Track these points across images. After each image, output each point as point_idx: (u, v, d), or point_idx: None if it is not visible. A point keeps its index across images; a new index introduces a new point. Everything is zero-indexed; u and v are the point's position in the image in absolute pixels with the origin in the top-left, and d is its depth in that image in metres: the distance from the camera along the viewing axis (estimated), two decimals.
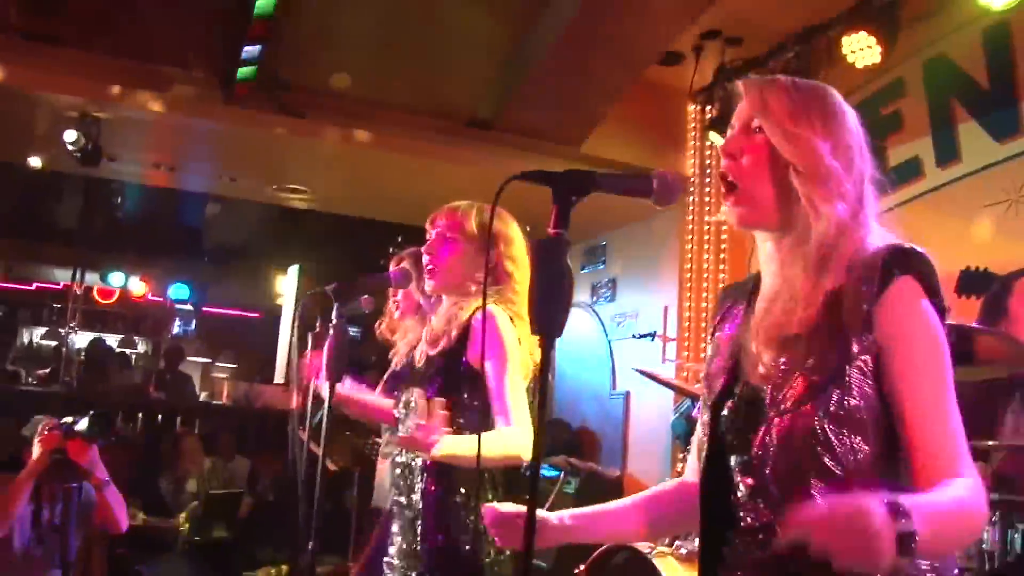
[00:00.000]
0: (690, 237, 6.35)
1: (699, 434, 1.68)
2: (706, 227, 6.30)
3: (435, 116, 5.77)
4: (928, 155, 4.92)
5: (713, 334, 1.77)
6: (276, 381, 6.78)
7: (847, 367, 1.43)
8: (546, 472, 5.47)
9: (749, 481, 1.52)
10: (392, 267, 3.45)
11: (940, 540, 1.28)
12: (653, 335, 6.36)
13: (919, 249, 1.47)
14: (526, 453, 2.28)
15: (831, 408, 1.43)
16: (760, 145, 1.55)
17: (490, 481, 2.50)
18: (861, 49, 4.67)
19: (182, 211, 10.21)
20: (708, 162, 6.25)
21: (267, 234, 8.99)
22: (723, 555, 1.59)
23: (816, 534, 1.18)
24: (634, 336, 6.57)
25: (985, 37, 4.66)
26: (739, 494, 1.55)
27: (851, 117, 1.59)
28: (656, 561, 3.26)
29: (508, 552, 2.41)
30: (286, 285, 6.66)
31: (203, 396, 11.00)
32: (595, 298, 7.53)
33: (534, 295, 1.48)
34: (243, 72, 4.85)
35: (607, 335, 7.22)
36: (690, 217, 6.35)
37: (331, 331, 2.62)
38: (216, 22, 5.06)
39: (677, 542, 3.37)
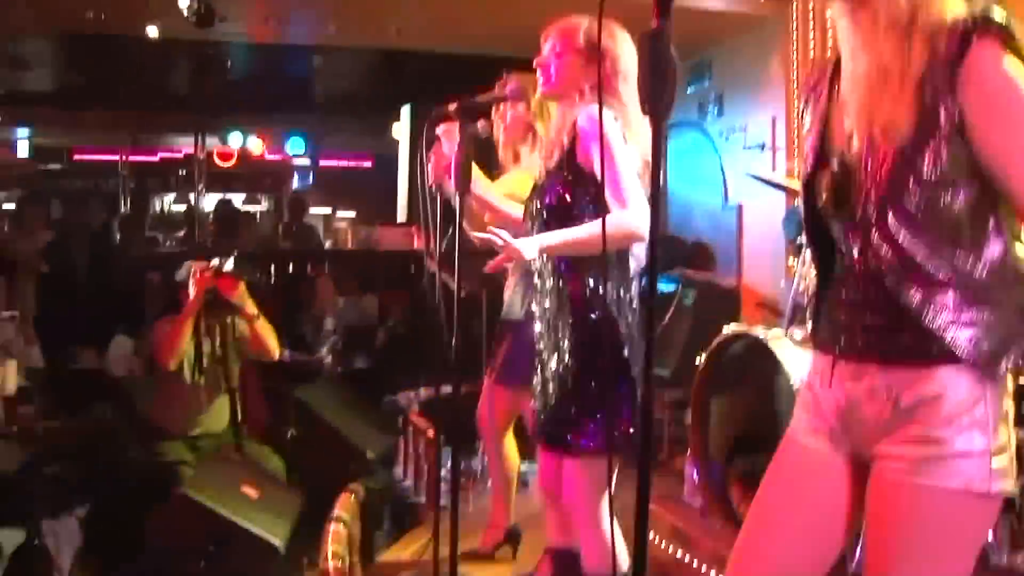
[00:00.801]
0: (795, 47, 6.23)
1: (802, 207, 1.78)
2: (811, 35, 6.18)
3: None
4: None
5: (802, 115, 1.86)
6: (398, 221, 7.02)
7: (936, 134, 1.52)
8: (664, 286, 5.63)
9: (856, 243, 1.66)
10: (499, 87, 3.57)
11: None
12: (763, 146, 6.37)
13: (996, 13, 1.50)
14: (642, 230, 2.44)
15: (923, 176, 1.54)
16: None
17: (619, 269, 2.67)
18: None
19: (290, 65, 10.38)
20: None
21: (375, 79, 9.12)
22: (837, 298, 1.74)
23: None
24: (744, 148, 6.58)
25: None
26: (847, 253, 1.69)
27: None
28: (772, 345, 3.41)
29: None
30: (400, 127, 6.78)
31: (328, 244, 11.50)
32: (703, 114, 7.49)
33: (642, 82, 1.60)
34: None
35: (716, 151, 7.22)
36: (794, 25, 6.22)
37: (458, 140, 2.78)
38: None
39: (791, 328, 3.52)
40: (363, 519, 4.07)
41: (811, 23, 6.12)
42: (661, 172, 1.69)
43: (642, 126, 2.64)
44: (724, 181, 7.12)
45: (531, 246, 2.56)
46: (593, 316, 2.62)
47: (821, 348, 1.79)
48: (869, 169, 1.61)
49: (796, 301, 3.66)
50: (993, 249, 1.58)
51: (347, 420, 5.00)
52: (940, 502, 1.56)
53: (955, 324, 1.55)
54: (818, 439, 1.76)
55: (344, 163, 13.80)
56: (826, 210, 1.72)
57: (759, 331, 3.55)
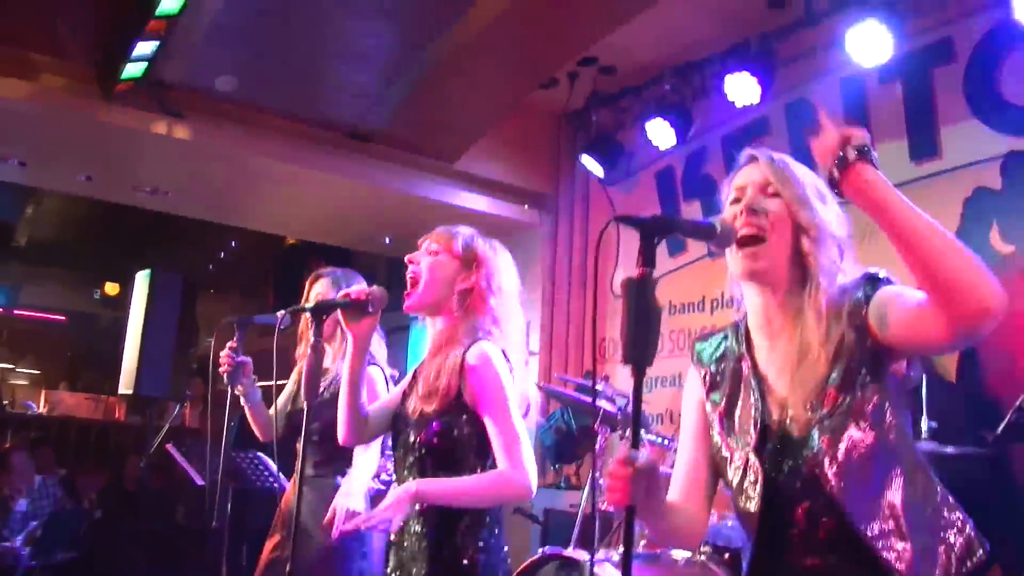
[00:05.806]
0: (555, 255, 6.66)
1: (741, 478, 1.84)
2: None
3: (316, 125, 5.65)
4: None
5: (713, 386, 1.94)
6: (121, 391, 6.40)
7: (864, 380, 1.71)
8: None
9: (808, 503, 1.75)
10: (321, 286, 3.41)
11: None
12: None
13: (877, 271, 1.78)
14: (526, 493, 2.35)
15: (863, 417, 1.71)
16: (781, 207, 1.82)
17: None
18: (741, 88, 5.03)
19: None
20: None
21: (95, 235, 8.39)
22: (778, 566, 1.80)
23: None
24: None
25: (843, 85, 5.14)
26: (798, 515, 1.76)
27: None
28: (598, 570, 3.33)
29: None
30: (136, 291, 6.30)
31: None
32: None
33: (626, 329, 1.62)
34: (132, 69, 4.58)
35: None
36: (552, 233, 6.66)
37: (310, 350, 2.55)
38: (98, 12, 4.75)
39: (610, 551, 3.48)
40: None
41: (572, 235, 6.57)
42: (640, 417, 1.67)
43: (518, 346, 2.59)
44: None
45: (405, 504, 2.33)
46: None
47: None
48: (814, 428, 1.73)
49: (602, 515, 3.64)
50: (905, 484, 1.75)
51: None
52: None
53: (899, 560, 1.68)
54: None
55: (36, 315, 12.26)
56: (774, 476, 1.79)
57: (577, 553, 3.46)
